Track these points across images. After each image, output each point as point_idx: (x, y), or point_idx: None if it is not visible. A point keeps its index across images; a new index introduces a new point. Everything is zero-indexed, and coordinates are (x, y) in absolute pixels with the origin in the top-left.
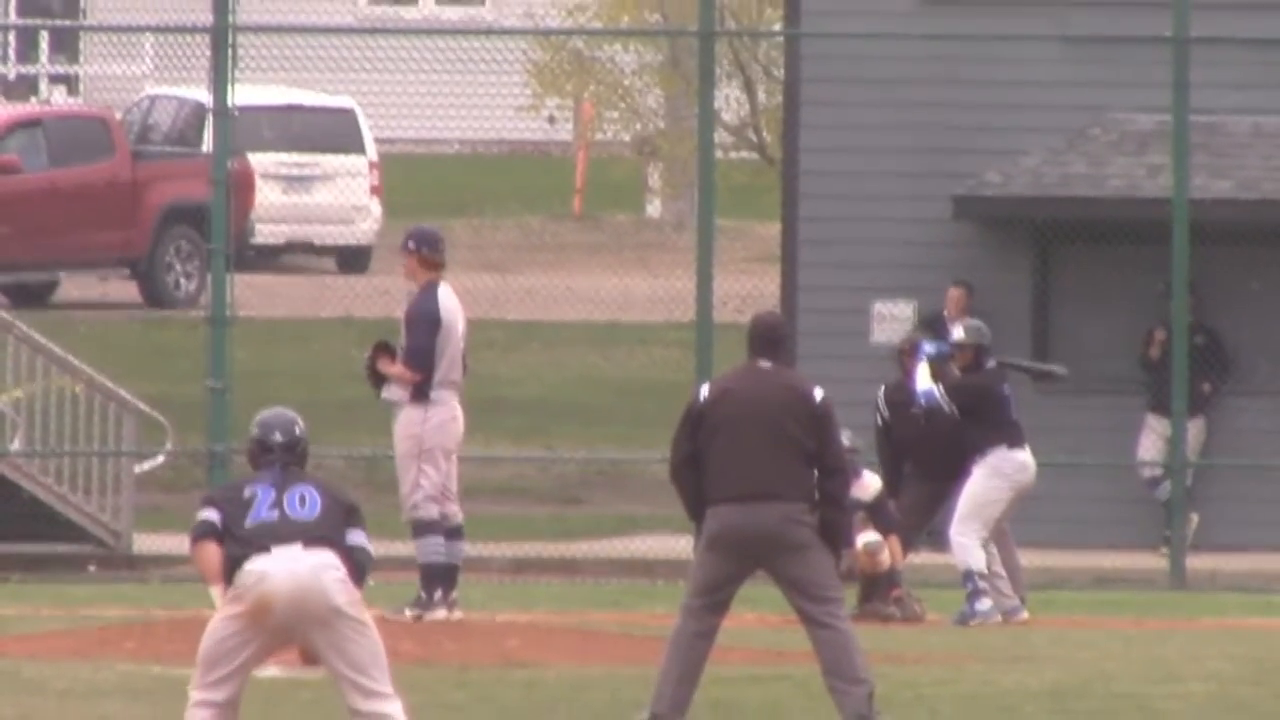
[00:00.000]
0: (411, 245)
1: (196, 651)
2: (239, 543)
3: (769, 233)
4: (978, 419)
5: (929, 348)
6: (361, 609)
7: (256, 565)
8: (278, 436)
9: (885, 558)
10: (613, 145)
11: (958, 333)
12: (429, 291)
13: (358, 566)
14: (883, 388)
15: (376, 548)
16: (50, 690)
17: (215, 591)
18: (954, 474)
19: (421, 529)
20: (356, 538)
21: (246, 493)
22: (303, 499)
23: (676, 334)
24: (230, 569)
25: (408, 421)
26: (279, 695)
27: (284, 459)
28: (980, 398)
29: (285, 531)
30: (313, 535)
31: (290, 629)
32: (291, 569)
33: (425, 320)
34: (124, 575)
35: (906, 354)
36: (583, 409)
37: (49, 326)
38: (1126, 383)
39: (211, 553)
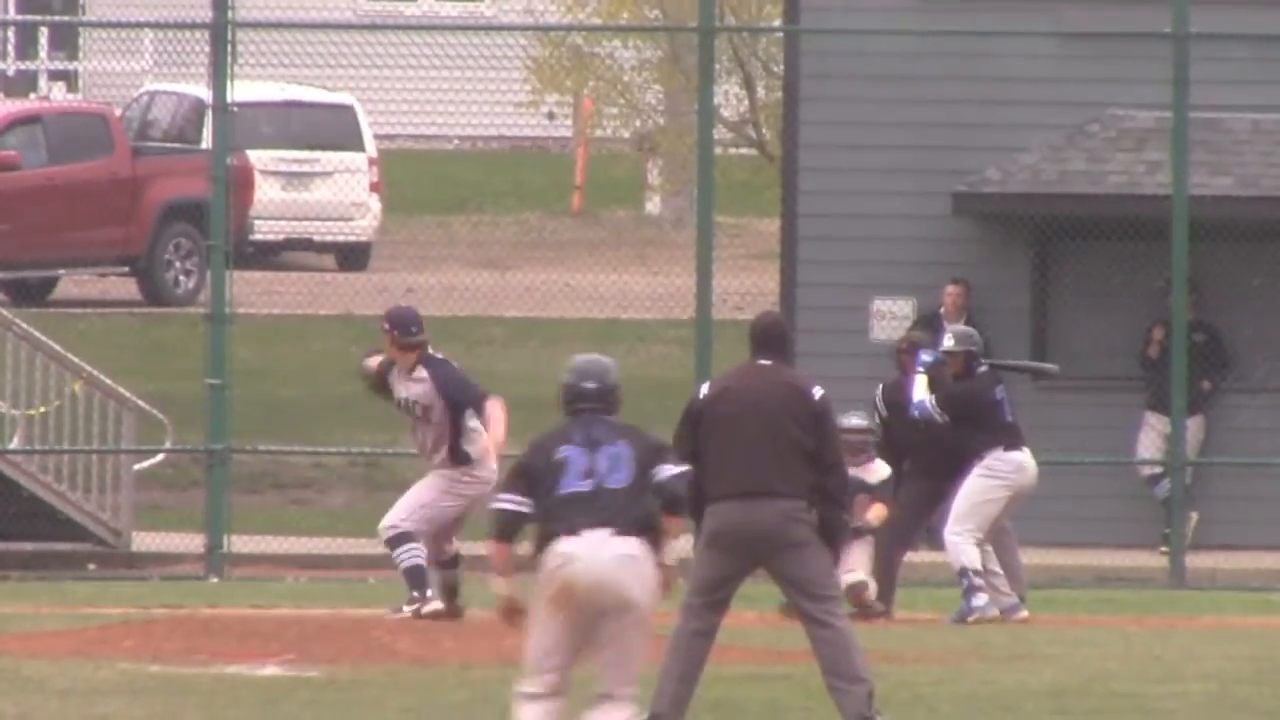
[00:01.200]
0: (386, 326)
1: (198, 649)
2: (549, 517)
3: (768, 229)
4: (972, 425)
5: (925, 357)
6: (652, 604)
7: (564, 547)
8: (590, 384)
9: (870, 594)
10: (612, 142)
11: (947, 341)
12: (442, 362)
13: (673, 500)
14: (881, 387)
15: (375, 547)
16: (50, 689)
17: (500, 584)
18: (953, 474)
19: (401, 539)
20: (665, 471)
21: (557, 455)
22: (614, 459)
23: (676, 331)
24: (540, 542)
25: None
26: (279, 695)
27: (596, 407)
28: (970, 405)
29: (597, 510)
30: (623, 518)
31: (586, 613)
32: (596, 558)
33: (462, 377)
34: (123, 573)
35: (904, 353)
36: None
37: (48, 324)
38: (1125, 380)
39: (503, 555)
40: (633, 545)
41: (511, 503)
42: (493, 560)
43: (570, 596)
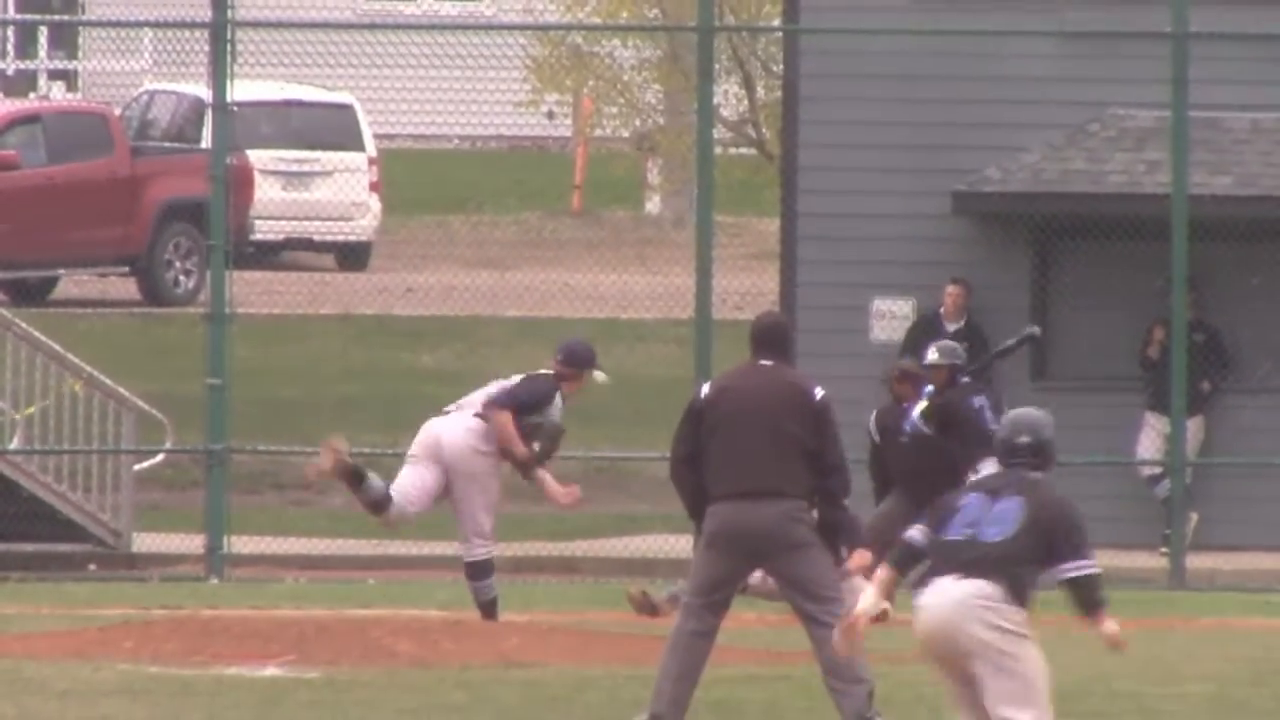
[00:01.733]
0: (560, 357)
1: (198, 650)
2: (930, 560)
3: (768, 229)
4: (958, 437)
5: (931, 387)
6: (1011, 640)
7: (920, 599)
8: (1024, 438)
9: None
10: (612, 141)
11: (931, 355)
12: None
13: (1080, 603)
14: (874, 412)
15: (376, 548)
16: (50, 690)
17: (864, 595)
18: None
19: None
20: (1071, 570)
21: (961, 500)
22: (1001, 514)
23: (675, 331)
24: (917, 560)
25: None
26: (279, 696)
27: (1030, 462)
28: (951, 413)
29: (956, 558)
30: (977, 564)
31: (951, 660)
32: (936, 606)
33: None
34: (123, 574)
35: (896, 380)
36: (581, 406)
37: (48, 324)
38: (1125, 380)
39: (884, 574)
40: (978, 586)
41: (918, 533)
42: (875, 575)
43: (927, 651)
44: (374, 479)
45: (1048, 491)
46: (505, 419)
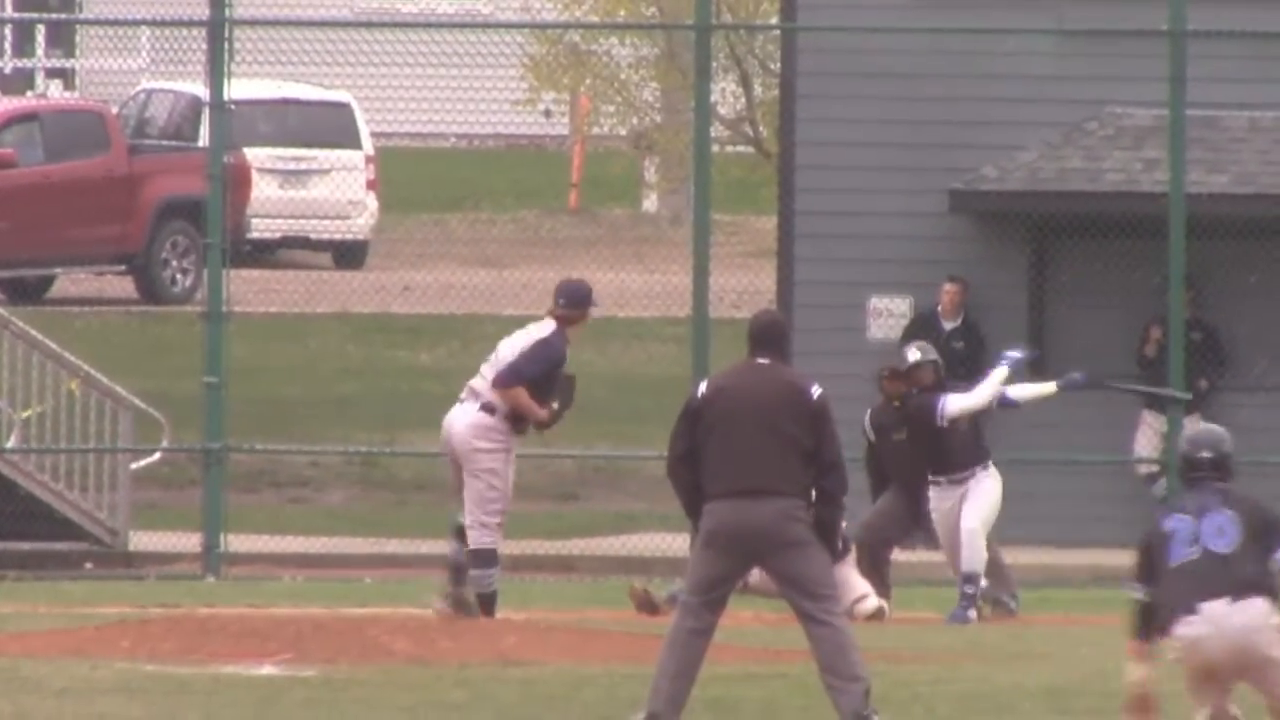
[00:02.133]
0: (562, 302)
1: (195, 649)
2: (1164, 590)
3: (765, 227)
4: (978, 432)
5: (1015, 355)
6: None
7: (1186, 632)
8: (1205, 453)
9: (886, 612)
10: (609, 139)
11: (913, 354)
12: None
13: None
14: (869, 411)
15: (373, 546)
16: (47, 688)
17: (1130, 669)
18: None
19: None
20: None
21: (1167, 525)
22: (1220, 526)
23: (673, 329)
24: (1162, 615)
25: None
26: (276, 694)
27: (1212, 475)
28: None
29: (1207, 578)
30: (1236, 582)
31: (1227, 679)
32: (1224, 633)
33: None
34: (120, 572)
35: (887, 379)
36: (578, 405)
37: (45, 322)
38: (1123, 379)
39: (1132, 648)
40: (1255, 606)
41: (1139, 591)
42: (1129, 648)
43: (1214, 674)
44: (457, 561)
45: (1241, 494)
46: (518, 394)
